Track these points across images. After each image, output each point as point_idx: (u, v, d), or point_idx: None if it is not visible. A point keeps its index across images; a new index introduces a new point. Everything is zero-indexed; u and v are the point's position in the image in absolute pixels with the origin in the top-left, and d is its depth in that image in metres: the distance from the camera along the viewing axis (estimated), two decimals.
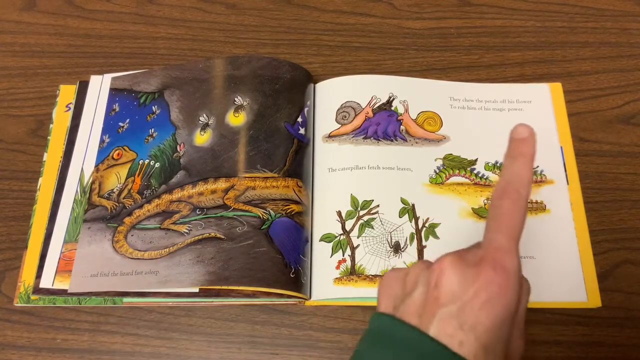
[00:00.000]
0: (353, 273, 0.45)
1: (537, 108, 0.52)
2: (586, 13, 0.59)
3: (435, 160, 0.50)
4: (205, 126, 0.50)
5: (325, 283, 0.45)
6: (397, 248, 0.46)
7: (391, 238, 0.46)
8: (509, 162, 0.29)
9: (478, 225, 0.47)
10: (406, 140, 0.50)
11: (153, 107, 0.52)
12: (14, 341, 0.45)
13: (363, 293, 0.44)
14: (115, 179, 0.49)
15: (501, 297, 0.25)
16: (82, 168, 0.50)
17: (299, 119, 0.50)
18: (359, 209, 0.47)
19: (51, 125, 0.53)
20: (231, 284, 0.43)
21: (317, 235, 0.47)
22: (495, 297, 0.25)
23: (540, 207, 0.48)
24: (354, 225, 0.46)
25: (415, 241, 0.46)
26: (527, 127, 0.29)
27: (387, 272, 0.32)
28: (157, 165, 0.49)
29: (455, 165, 0.49)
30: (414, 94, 0.52)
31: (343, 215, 0.47)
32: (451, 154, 0.50)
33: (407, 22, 0.59)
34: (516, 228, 0.27)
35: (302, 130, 0.50)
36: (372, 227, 0.46)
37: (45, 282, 0.45)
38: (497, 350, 0.26)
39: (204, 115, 0.50)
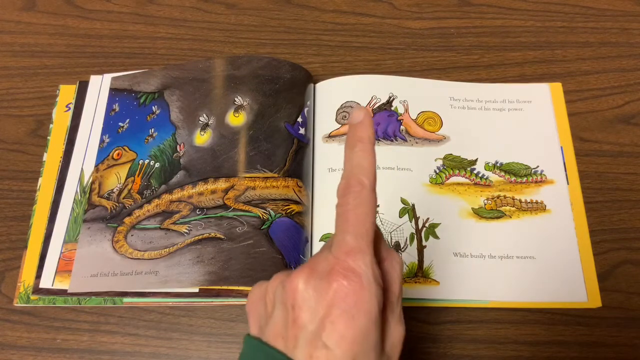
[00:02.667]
0: None
1: (537, 108, 0.52)
2: (586, 13, 0.59)
3: (435, 160, 0.50)
4: (205, 126, 0.50)
5: None
6: (397, 248, 0.46)
7: (391, 238, 0.46)
8: (348, 152, 0.27)
9: (478, 225, 0.47)
10: (406, 140, 0.50)
11: (153, 107, 0.52)
12: (14, 341, 0.45)
13: None
14: (115, 179, 0.49)
15: (359, 305, 0.24)
16: (82, 168, 0.50)
17: (299, 119, 0.50)
18: None
19: (51, 125, 0.53)
20: (231, 284, 0.43)
21: (317, 235, 0.47)
22: (352, 307, 0.24)
23: (540, 207, 0.48)
24: None
25: (415, 241, 0.46)
26: (362, 109, 0.27)
27: (251, 290, 0.30)
28: (157, 165, 0.49)
29: (455, 165, 0.49)
30: (414, 94, 0.52)
31: None
32: (451, 154, 0.50)
33: (407, 22, 0.59)
34: (364, 224, 0.26)
35: (302, 130, 0.50)
36: None
37: (45, 282, 0.45)
38: (369, 354, 0.25)
39: (204, 115, 0.50)
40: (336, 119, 0.51)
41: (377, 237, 0.27)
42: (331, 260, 0.25)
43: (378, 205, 0.47)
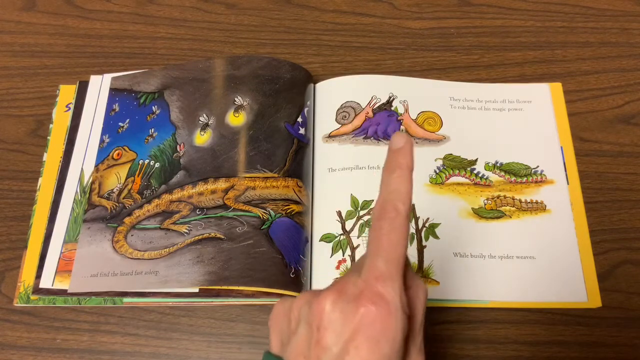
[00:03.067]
0: None
1: (537, 108, 0.52)
2: (586, 13, 0.59)
3: (435, 160, 0.50)
4: (205, 126, 0.50)
5: (325, 283, 0.45)
6: None
7: None
8: (386, 176, 0.27)
9: (478, 225, 0.47)
10: None
11: (153, 107, 0.52)
12: (14, 341, 0.45)
13: None
14: (115, 179, 0.49)
15: (384, 332, 0.24)
16: (82, 168, 0.50)
17: (299, 119, 0.50)
18: (359, 209, 0.47)
19: (51, 125, 0.53)
20: (231, 284, 0.43)
21: (317, 235, 0.47)
22: (377, 333, 0.24)
23: (540, 207, 0.48)
24: (354, 225, 0.46)
25: (415, 241, 0.46)
26: (403, 135, 0.27)
27: (275, 305, 0.30)
28: (157, 165, 0.49)
29: (455, 165, 0.49)
30: (414, 94, 0.52)
31: (343, 215, 0.47)
32: (451, 154, 0.50)
33: (407, 22, 0.59)
34: (396, 250, 0.26)
35: (302, 130, 0.50)
36: None
37: (45, 282, 0.45)
38: None
39: (204, 115, 0.50)
40: (336, 119, 0.51)
41: (405, 263, 0.28)
42: (360, 284, 0.25)
43: None
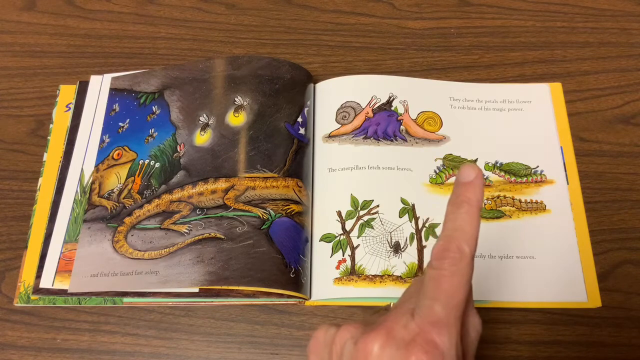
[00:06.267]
0: (353, 273, 0.45)
1: (537, 108, 0.52)
2: (586, 13, 0.59)
3: (435, 160, 0.50)
4: (205, 126, 0.50)
5: (325, 283, 0.45)
6: (397, 248, 0.46)
7: (391, 238, 0.46)
8: (451, 210, 0.25)
9: None
10: (406, 140, 0.50)
11: (153, 107, 0.52)
12: (14, 341, 0.45)
13: (363, 293, 0.44)
14: (115, 179, 0.49)
15: None
16: (82, 168, 0.50)
17: (299, 119, 0.50)
18: (359, 209, 0.47)
19: (51, 125, 0.53)
20: (231, 284, 0.43)
21: (317, 235, 0.47)
22: None
23: (540, 207, 0.48)
24: (354, 225, 0.46)
25: (415, 241, 0.46)
26: (473, 168, 0.25)
27: (317, 331, 0.29)
28: (157, 165, 0.49)
29: (455, 165, 0.49)
30: (414, 94, 0.52)
31: (343, 215, 0.47)
32: (451, 154, 0.50)
33: (407, 22, 0.59)
34: (457, 295, 0.24)
35: (302, 130, 0.50)
36: (372, 227, 0.46)
37: (45, 282, 0.45)
38: None
39: (204, 115, 0.50)
40: (336, 119, 0.51)
41: (468, 298, 0.25)
42: (413, 328, 0.24)
43: (377, 206, 0.47)
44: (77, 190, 0.49)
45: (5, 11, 0.60)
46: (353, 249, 0.46)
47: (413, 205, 0.47)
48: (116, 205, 0.48)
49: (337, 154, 0.49)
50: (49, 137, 0.52)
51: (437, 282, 0.24)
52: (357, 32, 0.58)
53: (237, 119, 0.49)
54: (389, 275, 0.45)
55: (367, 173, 0.48)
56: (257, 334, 0.45)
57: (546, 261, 0.45)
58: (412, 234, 0.46)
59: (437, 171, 0.49)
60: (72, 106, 0.53)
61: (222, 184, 0.47)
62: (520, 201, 0.48)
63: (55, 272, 0.46)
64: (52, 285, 0.45)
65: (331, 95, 0.52)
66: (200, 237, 0.45)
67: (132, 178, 0.49)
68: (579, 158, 0.50)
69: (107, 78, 0.54)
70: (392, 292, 0.44)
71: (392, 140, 0.50)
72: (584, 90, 0.54)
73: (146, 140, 0.50)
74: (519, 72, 0.55)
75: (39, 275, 0.46)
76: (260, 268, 0.43)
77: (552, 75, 0.55)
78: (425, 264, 0.45)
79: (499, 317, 0.45)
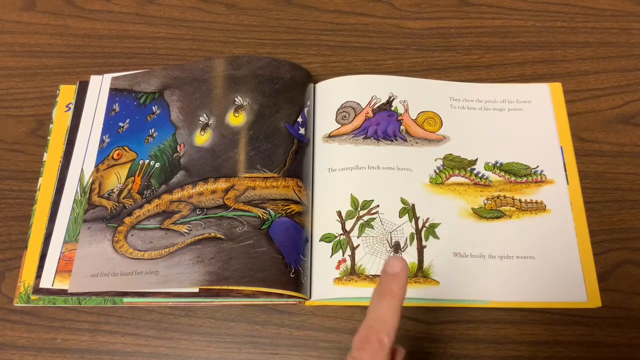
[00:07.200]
0: (353, 273, 0.45)
1: (537, 108, 0.52)
2: (586, 13, 0.59)
3: (435, 160, 0.50)
4: (205, 126, 0.50)
5: (325, 283, 0.45)
6: (397, 248, 0.46)
7: (391, 238, 0.46)
8: (376, 300, 0.26)
9: (478, 225, 0.47)
10: (406, 140, 0.50)
11: (153, 107, 0.52)
12: (14, 341, 0.45)
13: (363, 293, 0.44)
14: (115, 179, 0.49)
15: None
16: (82, 168, 0.50)
17: (299, 119, 0.50)
18: (359, 209, 0.47)
19: (51, 125, 0.53)
20: (231, 284, 0.43)
21: (317, 235, 0.47)
22: None
23: (540, 207, 0.48)
24: (354, 225, 0.46)
25: (415, 241, 0.46)
26: (400, 261, 0.26)
27: None
28: (157, 165, 0.49)
29: (455, 165, 0.49)
30: (414, 94, 0.52)
31: (343, 215, 0.47)
32: (451, 154, 0.50)
33: (407, 22, 0.59)
34: None
35: (302, 130, 0.50)
36: (372, 227, 0.46)
37: (45, 282, 0.45)
38: None
39: (204, 115, 0.50)
40: (336, 119, 0.51)
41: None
42: None
43: (377, 206, 0.47)
44: (77, 190, 0.49)
45: (5, 11, 0.60)
46: (353, 249, 0.46)
47: (413, 205, 0.47)
48: (116, 205, 0.48)
49: (337, 154, 0.49)
50: (49, 137, 0.52)
51: None
52: (357, 32, 0.58)
53: (237, 119, 0.49)
54: None
55: (367, 173, 0.48)
56: (257, 334, 0.45)
57: (546, 261, 0.45)
58: (412, 234, 0.46)
59: (437, 171, 0.49)
60: (72, 106, 0.53)
61: (222, 184, 0.47)
62: (520, 201, 0.48)
63: (55, 272, 0.46)
64: (52, 285, 0.45)
65: (331, 95, 0.52)
66: (200, 237, 0.45)
67: (132, 178, 0.49)
68: (579, 158, 0.50)
69: (107, 78, 0.54)
70: None
71: (392, 140, 0.50)
72: (584, 90, 0.54)
73: (146, 140, 0.50)
74: (519, 72, 0.55)
75: (39, 275, 0.46)
76: (260, 268, 0.43)
77: (552, 75, 0.55)
78: (425, 264, 0.45)
79: (499, 317, 0.45)
